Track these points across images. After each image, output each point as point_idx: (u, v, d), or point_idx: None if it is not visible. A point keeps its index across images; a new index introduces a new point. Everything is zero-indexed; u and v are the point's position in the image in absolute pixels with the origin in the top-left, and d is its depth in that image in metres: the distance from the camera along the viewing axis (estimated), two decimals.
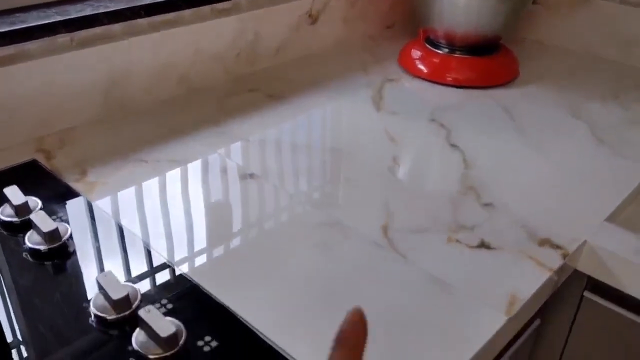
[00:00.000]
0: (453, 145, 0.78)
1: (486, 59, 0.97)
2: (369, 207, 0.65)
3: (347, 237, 0.60)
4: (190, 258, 0.56)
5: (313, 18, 1.03)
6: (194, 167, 0.71)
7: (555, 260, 0.58)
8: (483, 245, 0.59)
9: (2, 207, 0.58)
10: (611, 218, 0.65)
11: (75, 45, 0.76)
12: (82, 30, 0.76)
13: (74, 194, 0.63)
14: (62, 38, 0.75)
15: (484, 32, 0.94)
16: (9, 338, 0.46)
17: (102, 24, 0.77)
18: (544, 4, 1.13)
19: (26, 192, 0.59)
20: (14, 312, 0.48)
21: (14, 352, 0.45)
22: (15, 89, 0.71)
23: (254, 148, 0.76)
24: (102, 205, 0.62)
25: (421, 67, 0.98)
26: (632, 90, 0.96)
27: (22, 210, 0.57)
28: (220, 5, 0.90)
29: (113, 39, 0.78)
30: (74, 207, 0.61)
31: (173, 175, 0.69)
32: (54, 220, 0.57)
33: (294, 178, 0.70)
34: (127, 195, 0.65)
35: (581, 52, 1.10)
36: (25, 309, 0.49)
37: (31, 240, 0.54)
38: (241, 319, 0.48)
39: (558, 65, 1.06)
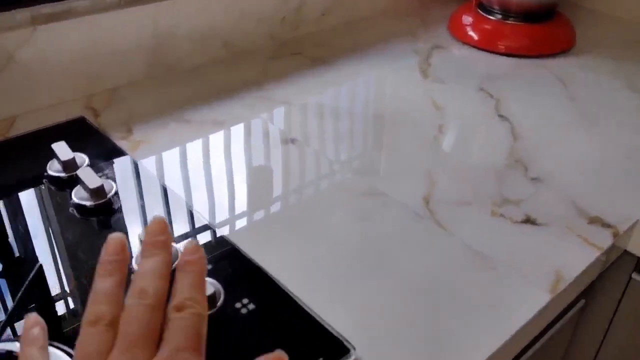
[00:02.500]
0: (501, 116, 0.75)
1: (541, 26, 0.93)
2: (411, 176, 0.63)
3: (387, 206, 0.59)
4: (230, 221, 0.56)
5: None
6: (237, 130, 0.71)
7: (604, 240, 0.55)
8: (528, 220, 0.57)
9: (50, 162, 0.60)
10: None
11: (123, 4, 0.76)
12: None
13: (120, 153, 0.64)
14: None
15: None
16: (57, 290, 0.47)
17: None
18: None
19: (74, 148, 0.60)
20: (62, 265, 0.50)
21: (60, 303, 0.47)
22: (63, 46, 0.72)
23: (297, 113, 0.75)
24: (147, 164, 0.63)
25: (472, 34, 0.95)
26: None
27: (70, 165, 0.58)
28: None
29: None
30: (120, 165, 0.62)
31: (216, 138, 0.69)
32: (100, 177, 0.58)
33: (336, 145, 0.69)
34: (171, 156, 0.65)
35: (638, 23, 1.04)
36: (72, 263, 0.50)
37: (78, 195, 0.55)
38: (279, 283, 0.48)
39: (614, 35, 1.00)
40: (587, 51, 0.93)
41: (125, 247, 0.30)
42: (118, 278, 0.29)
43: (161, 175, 0.62)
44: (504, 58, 0.91)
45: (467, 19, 0.97)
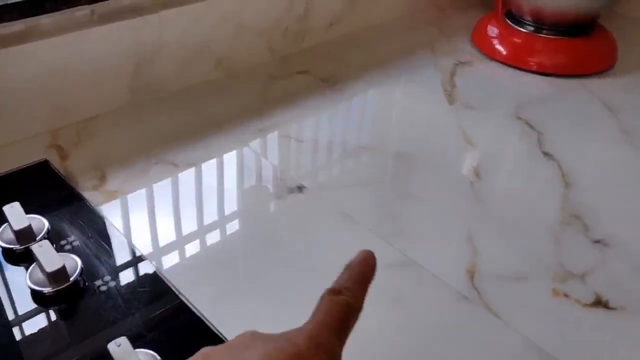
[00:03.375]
0: (547, 154, 0.64)
1: (579, 41, 0.81)
2: (448, 239, 0.52)
3: (422, 283, 0.47)
4: (216, 299, 0.45)
5: None
6: (232, 177, 0.59)
7: None
8: (600, 302, 0.46)
9: (2, 228, 0.48)
10: None
11: (97, 20, 0.63)
12: (105, 1, 0.63)
13: (90, 212, 0.52)
14: (82, 11, 0.62)
15: (582, 8, 0.78)
16: None
17: None
18: None
19: (31, 208, 0.48)
20: None
21: None
22: (26, 72, 0.59)
23: (305, 151, 0.63)
24: (122, 225, 0.51)
25: (499, 47, 0.83)
26: None
27: (25, 235, 0.46)
28: None
29: (141, 12, 0.65)
30: (91, 229, 0.50)
31: (208, 188, 0.57)
32: (64, 246, 0.46)
33: (352, 193, 0.57)
34: (150, 215, 0.53)
35: None
36: None
37: (33, 278, 0.44)
38: None
39: None
40: (631, 69, 0.82)
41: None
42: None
43: (139, 243, 0.50)
44: (537, 77, 0.80)
45: (493, 30, 0.85)
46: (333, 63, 0.80)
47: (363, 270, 0.32)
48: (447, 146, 0.65)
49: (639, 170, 0.62)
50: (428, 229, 0.53)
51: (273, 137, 0.65)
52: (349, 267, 0.32)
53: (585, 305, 0.46)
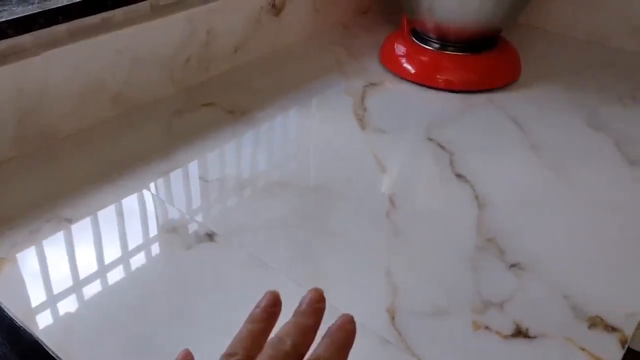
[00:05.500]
0: (459, 176, 0.64)
1: (484, 56, 0.82)
2: (367, 278, 0.50)
3: None
4: None
5: (277, 8, 0.86)
6: (132, 227, 0.54)
7: (611, 348, 0.45)
8: (520, 332, 0.46)
9: None
10: None
11: None
12: None
13: None
14: None
15: (484, 25, 0.79)
16: None
17: (6, 35, 0.58)
18: None
19: None
20: None
21: None
22: None
23: (213, 191, 0.60)
24: (11, 304, 0.46)
25: (407, 66, 0.83)
26: None
27: None
28: (162, 0, 0.72)
29: (23, 55, 0.60)
30: None
31: (110, 247, 0.53)
32: None
33: (266, 236, 0.54)
34: (46, 288, 0.48)
35: (588, 41, 0.97)
36: None
37: None
38: None
39: (564, 57, 0.92)
40: (536, 81, 0.84)
41: (280, 302, 0.32)
42: (265, 326, 0.31)
43: (35, 327, 0.45)
44: (446, 94, 0.80)
45: (400, 49, 0.85)
46: (240, 91, 0.77)
47: (342, 337, 0.31)
48: (361, 175, 0.63)
49: (547, 187, 0.63)
50: (346, 268, 0.51)
51: (178, 178, 0.61)
52: (328, 334, 0.31)
53: (506, 336, 0.45)
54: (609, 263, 0.53)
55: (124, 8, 0.68)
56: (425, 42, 0.84)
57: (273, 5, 0.85)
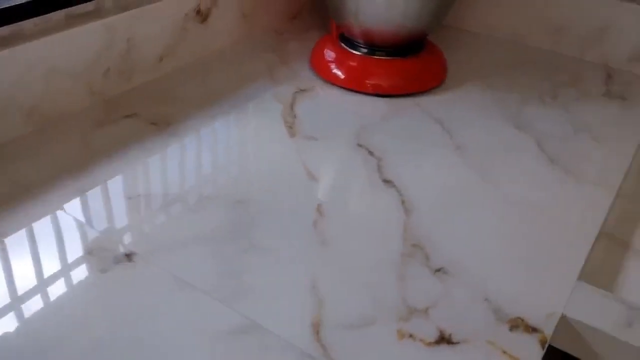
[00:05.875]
0: (387, 181, 0.64)
1: (411, 60, 0.83)
2: (292, 292, 0.49)
3: (266, 348, 0.44)
4: None
5: (203, 15, 0.84)
6: (45, 251, 0.52)
7: (531, 350, 0.46)
8: (443, 338, 0.46)
9: None
10: (585, 271, 0.54)
11: None
12: None
13: None
14: None
15: (410, 29, 0.80)
16: None
17: None
18: None
19: None
20: None
21: None
22: None
23: (134, 209, 0.58)
24: None
25: (337, 72, 0.83)
26: (568, 85, 0.86)
27: None
28: (77, 9, 0.69)
29: None
30: None
31: (18, 267, 0.50)
32: None
33: (191, 254, 0.53)
34: None
35: (510, 41, 0.99)
36: None
37: None
38: None
39: (488, 58, 0.94)
40: (462, 82, 0.85)
41: None
42: None
43: None
44: (375, 99, 0.81)
45: (330, 55, 0.85)
46: (165, 102, 0.75)
47: None
48: (290, 185, 0.63)
49: (472, 190, 0.64)
50: (271, 283, 0.50)
51: (97, 196, 0.58)
52: None
53: (429, 343, 0.45)
54: (530, 263, 0.54)
55: (35, 19, 0.65)
56: (354, 47, 0.84)
57: (198, 12, 0.83)
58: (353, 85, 0.82)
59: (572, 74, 0.89)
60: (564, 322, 0.49)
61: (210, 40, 0.87)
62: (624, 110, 0.80)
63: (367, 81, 0.82)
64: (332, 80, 0.83)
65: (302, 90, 0.81)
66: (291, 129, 0.72)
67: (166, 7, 0.78)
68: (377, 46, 0.82)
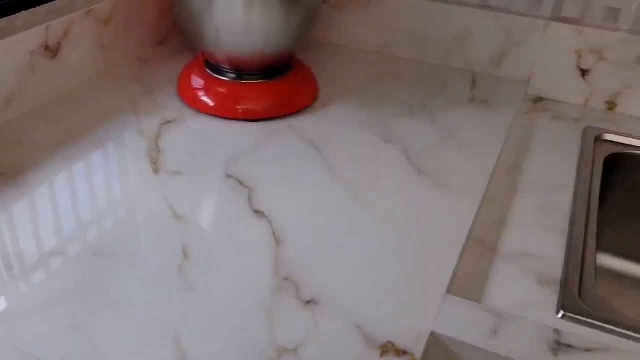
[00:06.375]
0: (257, 212, 0.62)
1: (280, 82, 0.82)
2: (152, 350, 0.46)
3: None
4: None
5: (52, 50, 0.78)
6: None
7: None
8: None
9: None
10: (455, 282, 0.55)
11: None
12: None
13: None
14: None
15: (274, 51, 0.79)
16: None
17: None
18: (330, 3, 1.01)
19: None
20: None
21: None
22: None
23: None
24: None
25: (206, 99, 0.80)
26: (435, 94, 0.89)
27: None
28: None
29: None
30: None
31: None
32: None
33: (39, 319, 0.48)
34: None
35: (379, 53, 1.01)
36: None
37: None
38: None
39: (357, 72, 0.95)
40: (333, 99, 0.85)
41: None
42: None
43: None
44: (247, 125, 0.79)
45: (197, 82, 0.82)
46: (14, 148, 0.69)
47: None
48: (152, 228, 0.59)
49: (345, 208, 0.63)
50: (130, 344, 0.46)
51: None
52: None
53: None
54: (400, 282, 0.54)
55: None
56: (221, 72, 0.82)
57: (47, 48, 0.77)
58: (223, 112, 0.79)
59: (439, 82, 0.92)
60: (434, 340, 0.49)
61: (63, 76, 0.81)
62: (487, 115, 0.83)
63: (238, 107, 0.80)
64: (201, 109, 0.80)
65: (169, 122, 0.77)
66: (155, 165, 0.68)
67: (8, 46, 0.72)
68: (243, 70, 0.80)
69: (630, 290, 0.86)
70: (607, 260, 0.88)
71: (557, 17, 0.90)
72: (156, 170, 0.67)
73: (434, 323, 0.49)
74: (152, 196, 0.63)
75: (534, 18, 0.91)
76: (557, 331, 0.49)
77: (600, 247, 0.89)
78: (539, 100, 0.92)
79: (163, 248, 0.56)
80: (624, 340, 0.50)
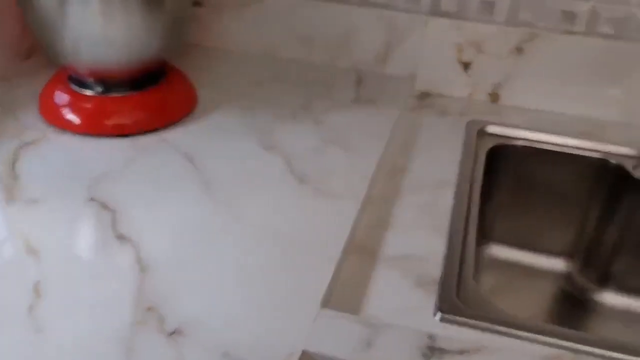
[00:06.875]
0: (121, 237, 0.57)
1: (153, 92, 0.77)
2: None
3: None
4: None
5: None
6: None
7: None
8: None
9: None
10: (333, 294, 0.53)
11: None
12: None
13: None
14: None
15: (140, 62, 0.74)
16: None
17: None
18: (207, 5, 0.97)
19: None
20: None
21: None
22: None
23: None
24: None
25: (71, 117, 0.74)
26: (321, 96, 0.87)
27: None
28: None
29: None
30: None
31: None
32: None
33: None
34: None
35: (264, 55, 0.98)
36: None
37: None
38: None
39: (239, 76, 0.91)
40: (213, 108, 0.81)
41: None
42: None
43: None
44: (119, 141, 0.73)
45: (62, 98, 0.76)
46: None
47: None
48: (4, 265, 0.53)
49: (218, 226, 0.60)
50: None
51: None
52: None
53: None
54: (271, 302, 0.51)
55: None
56: (87, 87, 0.76)
57: None
58: (91, 130, 0.74)
59: (325, 83, 0.91)
60: (306, 359, 0.46)
61: None
62: (371, 115, 0.82)
63: (106, 122, 0.74)
64: (67, 127, 0.74)
65: (28, 144, 0.71)
66: (10, 193, 0.62)
67: None
68: (109, 83, 0.75)
69: (522, 278, 0.88)
70: (499, 252, 0.90)
71: (436, 12, 0.91)
72: (11, 200, 0.61)
73: (305, 341, 0.47)
74: (4, 229, 0.57)
75: (414, 14, 0.91)
76: (430, 336, 0.48)
77: (493, 239, 0.91)
78: (425, 96, 0.93)
79: (12, 288, 0.51)
80: (499, 337, 0.50)
